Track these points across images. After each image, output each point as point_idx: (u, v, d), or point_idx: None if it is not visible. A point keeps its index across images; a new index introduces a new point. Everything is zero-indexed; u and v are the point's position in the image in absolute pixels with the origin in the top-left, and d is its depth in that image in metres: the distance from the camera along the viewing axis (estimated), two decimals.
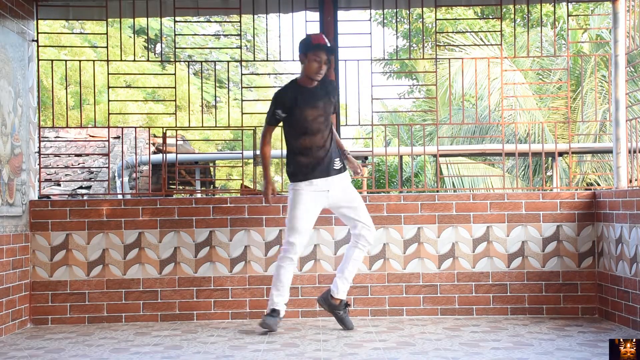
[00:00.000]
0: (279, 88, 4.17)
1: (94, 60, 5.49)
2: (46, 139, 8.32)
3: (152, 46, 18.25)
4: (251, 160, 7.80)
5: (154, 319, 4.51)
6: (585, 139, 10.91)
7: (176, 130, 5.01)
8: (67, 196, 8.15)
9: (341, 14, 4.87)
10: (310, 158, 4.00)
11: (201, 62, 5.90)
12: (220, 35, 7.76)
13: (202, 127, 5.41)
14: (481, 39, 13.30)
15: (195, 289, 4.53)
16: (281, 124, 4.13)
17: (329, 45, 3.97)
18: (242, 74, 5.05)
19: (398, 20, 13.16)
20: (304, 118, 3.98)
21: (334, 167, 4.04)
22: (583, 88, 11.65)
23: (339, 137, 4.37)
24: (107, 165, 7.78)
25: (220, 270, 4.54)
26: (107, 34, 4.99)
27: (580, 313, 4.52)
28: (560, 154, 9.01)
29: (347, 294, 4.23)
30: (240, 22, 4.95)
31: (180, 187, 11.24)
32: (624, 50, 4.72)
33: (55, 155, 8.62)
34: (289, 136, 4.08)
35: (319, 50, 3.92)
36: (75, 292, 4.51)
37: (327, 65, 3.98)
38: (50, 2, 4.84)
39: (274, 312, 4.00)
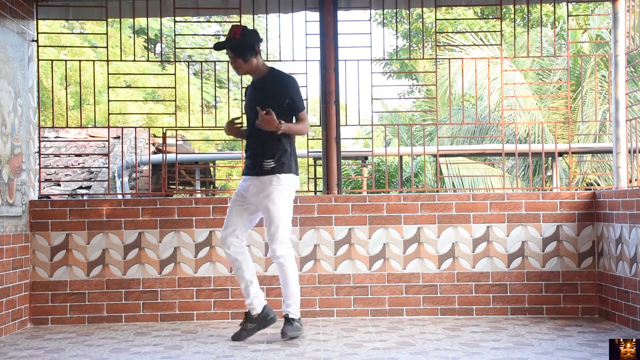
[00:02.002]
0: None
1: (94, 60, 5.49)
2: (46, 139, 8.31)
3: (152, 46, 18.25)
4: None
5: (154, 319, 4.51)
6: (585, 139, 10.91)
7: (176, 130, 5.01)
8: (67, 196, 8.15)
9: (341, 14, 4.86)
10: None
11: (201, 62, 5.90)
12: (220, 35, 7.76)
13: (202, 127, 5.41)
14: (481, 39, 13.29)
15: (195, 289, 4.53)
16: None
17: (230, 38, 3.77)
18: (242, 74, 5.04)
19: (398, 20, 13.16)
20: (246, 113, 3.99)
21: (264, 168, 3.80)
22: (583, 88, 11.65)
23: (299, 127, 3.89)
24: (107, 165, 7.78)
25: (220, 271, 4.54)
26: (107, 34, 4.99)
27: (580, 313, 4.52)
28: (560, 154, 9.01)
29: (347, 294, 4.22)
30: (240, 22, 4.95)
31: (180, 187, 11.24)
32: (624, 50, 4.72)
33: (55, 155, 8.61)
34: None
35: (221, 50, 3.87)
36: (75, 292, 4.51)
37: (236, 59, 3.80)
38: (50, 2, 4.84)
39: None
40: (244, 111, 4.14)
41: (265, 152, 3.79)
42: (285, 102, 3.81)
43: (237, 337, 3.80)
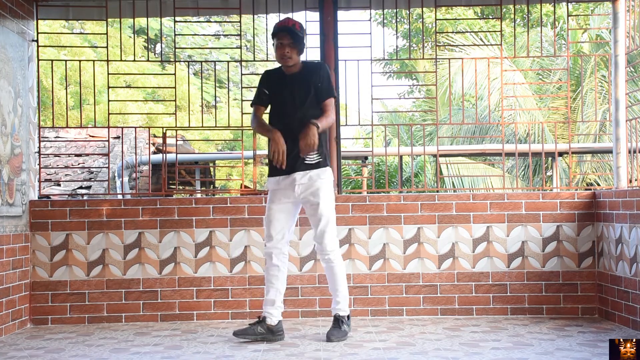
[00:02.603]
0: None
1: (94, 60, 5.49)
2: (46, 139, 8.31)
3: (152, 46, 18.24)
4: (251, 160, 7.80)
5: (154, 319, 4.51)
6: (585, 139, 10.91)
7: (176, 130, 5.01)
8: (67, 196, 8.15)
9: (341, 14, 4.86)
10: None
11: (201, 62, 5.90)
12: (220, 35, 7.77)
13: (202, 127, 5.41)
14: (481, 39, 13.29)
15: (195, 289, 4.53)
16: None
17: (289, 27, 3.71)
18: (242, 74, 5.05)
19: (398, 20, 13.15)
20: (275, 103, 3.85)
21: (309, 162, 3.73)
22: (583, 88, 11.65)
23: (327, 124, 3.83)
24: (107, 165, 7.78)
25: (220, 270, 4.54)
26: (107, 34, 4.99)
27: (580, 313, 4.52)
28: (560, 154, 9.01)
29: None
30: (240, 22, 4.95)
31: (180, 187, 11.24)
32: (624, 50, 4.72)
33: (55, 155, 8.61)
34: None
35: (273, 35, 3.78)
36: (75, 292, 4.51)
37: (293, 49, 3.74)
38: (50, 2, 4.84)
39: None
40: (266, 103, 3.93)
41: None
42: (316, 86, 3.77)
43: (241, 333, 3.72)
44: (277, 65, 3.99)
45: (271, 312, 3.76)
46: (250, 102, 3.98)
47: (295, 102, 3.78)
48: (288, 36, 3.73)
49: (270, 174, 3.80)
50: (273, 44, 3.84)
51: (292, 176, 3.73)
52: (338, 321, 3.78)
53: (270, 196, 3.81)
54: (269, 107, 3.92)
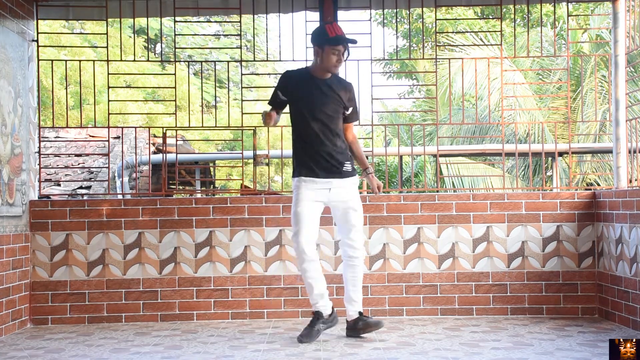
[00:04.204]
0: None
1: (94, 60, 5.48)
2: (46, 139, 8.31)
3: (152, 46, 18.25)
4: (251, 160, 7.80)
5: (154, 319, 4.51)
6: (585, 139, 10.91)
7: (176, 130, 5.01)
8: (67, 196, 8.15)
9: (341, 14, 4.86)
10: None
11: (201, 62, 5.90)
12: (220, 35, 7.77)
13: (202, 127, 5.41)
14: (481, 39, 13.29)
15: (195, 289, 4.53)
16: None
17: (345, 35, 3.79)
18: (242, 74, 5.05)
19: (398, 20, 13.15)
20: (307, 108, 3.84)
21: (345, 170, 3.85)
22: (583, 88, 11.65)
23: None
24: (107, 165, 7.78)
25: (220, 270, 4.54)
26: (107, 34, 4.99)
27: (580, 313, 4.52)
28: (560, 154, 9.01)
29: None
30: (240, 22, 4.95)
31: (180, 187, 11.24)
32: (624, 50, 4.72)
33: (55, 155, 8.61)
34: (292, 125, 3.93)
35: (338, 43, 3.76)
36: (75, 292, 4.51)
37: (344, 57, 3.83)
38: (50, 2, 4.84)
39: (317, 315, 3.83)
40: (282, 106, 3.94)
41: (340, 153, 3.83)
42: (349, 109, 3.90)
43: (308, 337, 3.71)
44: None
45: (324, 305, 3.82)
46: (268, 100, 4.00)
47: (327, 106, 3.81)
48: (346, 48, 3.81)
49: (305, 174, 3.80)
50: (319, 47, 3.80)
51: (329, 181, 3.79)
52: (362, 315, 3.86)
53: (302, 193, 3.79)
54: (291, 106, 3.90)
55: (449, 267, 4.55)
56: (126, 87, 13.36)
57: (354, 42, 3.83)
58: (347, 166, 3.84)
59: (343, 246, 3.86)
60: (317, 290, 3.79)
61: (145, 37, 15.60)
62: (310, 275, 3.77)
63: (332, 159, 3.80)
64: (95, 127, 5.47)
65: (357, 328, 3.82)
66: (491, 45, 5.89)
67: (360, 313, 3.86)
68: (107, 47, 4.93)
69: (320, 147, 3.79)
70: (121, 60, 5.43)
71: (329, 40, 3.75)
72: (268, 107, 3.93)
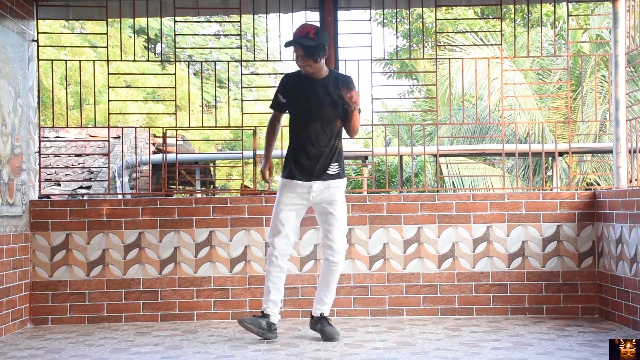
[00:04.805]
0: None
1: (94, 60, 5.48)
2: (46, 139, 8.31)
3: (152, 46, 18.24)
4: (251, 160, 7.81)
5: (154, 319, 4.51)
6: (585, 139, 10.91)
7: (176, 130, 5.01)
8: (67, 196, 8.15)
9: (341, 14, 4.86)
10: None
11: (201, 62, 5.90)
12: (220, 35, 7.77)
13: (202, 127, 5.41)
14: (481, 39, 13.29)
15: (195, 289, 4.53)
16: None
17: (298, 37, 3.67)
18: (242, 74, 5.05)
19: (398, 20, 13.15)
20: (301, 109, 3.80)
21: (330, 172, 3.78)
22: (583, 88, 11.65)
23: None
24: (107, 165, 7.78)
25: (220, 270, 4.54)
26: (107, 34, 4.99)
27: (580, 313, 4.52)
28: (560, 154, 9.00)
29: (347, 294, 4.21)
30: (240, 22, 4.95)
31: (180, 187, 11.24)
32: (624, 50, 4.72)
33: (55, 155, 8.60)
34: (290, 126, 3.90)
35: (287, 46, 3.75)
36: (75, 292, 4.51)
37: (307, 59, 3.68)
38: (50, 2, 4.84)
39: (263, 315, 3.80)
40: (283, 109, 3.93)
41: (329, 155, 3.77)
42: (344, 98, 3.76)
43: (249, 322, 3.70)
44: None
45: (275, 312, 3.80)
46: (270, 102, 3.98)
47: (320, 107, 3.75)
48: (299, 48, 3.70)
49: (289, 176, 3.79)
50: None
51: (312, 183, 3.75)
52: (326, 320, 3.82)
53: (284, 196, 3.78)
54: (288, 108, 3.88)
55: (449, 267, 4.55)
56: (126, 87, 13.35)
57: (292, 42, 3.69)
58: (333, 168, 3.78)
59: (323, 247, 3.85)
60: (273, 297, 3.79)
61: (145, 37, 15.59)
62: (273, 281, 3.78)
63: (317, 162, 3.75)
64: (95, 127, 5.47)
65: (316, 329, 3.84)
66: (491, 45, 5.90)
67: (322, 315, 3.83)
68: (107, 47, 4.93)
69: (308, 149, 3.75)
70: (121, 60, 5.44)
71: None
72: (270, 110, 3.94)
